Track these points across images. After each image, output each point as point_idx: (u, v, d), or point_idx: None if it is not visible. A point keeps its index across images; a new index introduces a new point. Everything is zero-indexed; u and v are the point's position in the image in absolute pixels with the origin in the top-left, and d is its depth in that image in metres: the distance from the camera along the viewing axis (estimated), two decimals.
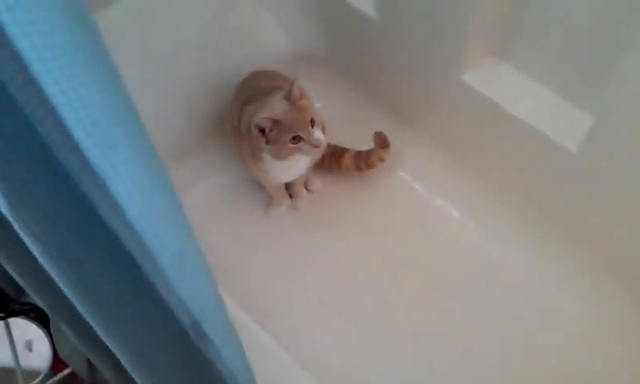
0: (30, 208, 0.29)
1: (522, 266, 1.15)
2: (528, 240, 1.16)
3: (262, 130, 0.95)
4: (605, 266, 1.09)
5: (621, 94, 0.89)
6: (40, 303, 0.50)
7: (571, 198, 1.08)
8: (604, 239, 1.08)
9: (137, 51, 1.13)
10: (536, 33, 0.99)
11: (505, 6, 0.98)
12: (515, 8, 0.98)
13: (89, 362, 1.00)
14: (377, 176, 1.24)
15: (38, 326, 1.10)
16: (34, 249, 0.32)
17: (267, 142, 0.95)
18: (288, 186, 1.23)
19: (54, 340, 1.10)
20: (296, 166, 1.05)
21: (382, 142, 1.19)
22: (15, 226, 0.30)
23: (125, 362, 0.44)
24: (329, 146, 1.20)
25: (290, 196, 1.24)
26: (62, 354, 1.10)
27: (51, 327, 1.10)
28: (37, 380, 1.10)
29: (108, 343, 0.42)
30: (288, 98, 0.94)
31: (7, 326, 1.08)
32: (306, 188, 1.25)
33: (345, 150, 1.22)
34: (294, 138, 0.93)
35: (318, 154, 1.03)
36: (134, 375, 0.46)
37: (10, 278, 0.46)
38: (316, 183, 1.25)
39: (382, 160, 1.19)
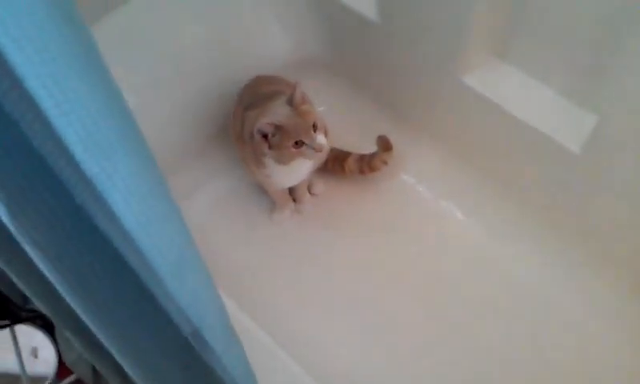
0: (29, 215, 0.29)
1: (527, 266, 1.15)
2: (532, 240, 1.16)
3: (265, 135, 0.95)
4: (610, 266, 1.09)
5: (623, 92, 0.88)
6: (43, 310, 0.50)
7: (575, 198, 1.07)
8: (608, 239, 1.08)
9: (140, 58, 1.14)
10: (537, 32, 0.99)
11: (505, 6, 0.98)
12: (515, 7, 0.98)
13: (94, 369, 1.00)
14: (380, 179, 1.24)
15: (44, 332, 1.11)
16: (34, 255, 0.32)
17: (270, 147, 0.96)
18: (291, 190, 1.23)
19: (60, 347, 1.11)
20: (299, 170, 1.05)
21: (384, 145, 1.19)
22: (15, 233, 0.30)
23: (126, 366, 0.44)
24: (332, 149, 1.20)
25: (294, 200, 1.24)
26: (67, 360, 1.10)
27: (56, 334, 1.10)
28: None
29: (109, 347, 0.42)
30: (290, 102, 0.94)
31: (13, 333, 1.08)
32: (309, 191, 1.25)
33: (348, 154, 1.22)
34: (296, 142, 0.93)
35: (320, 158, 1.03)
36: (135, 379, 0.46)
37: (15, 285, 0.46)
38: (319, 186, 1.25)
39: (385, 163, 1.19)
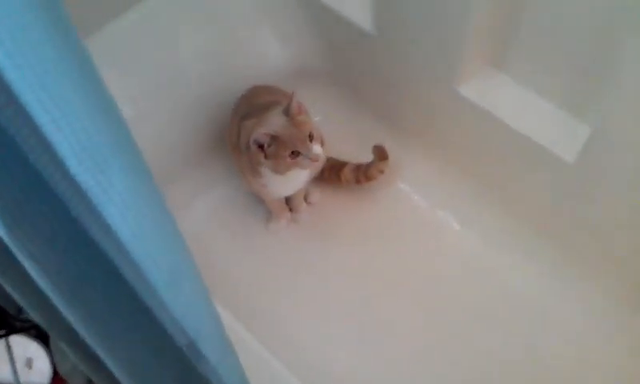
0: (25, 228, 0.29)
1: (523, 275, 1.15)
2: (528, 250, 1.16)
3: (261, 146, 0.95)
4: (607, 275, 1.09)
5: (618, 104, 0.89)
6: (38, 321, 0.50)
7: (570, 207, 1.08)
8: (604, 248, 1.08)
9: (137, 69, 1.14)
10: (533, 43, 1.00)
11: (502, 17, 0.99)
12: (512, 19, 0.99)
13: (89, 381, 1.00)
14: (376, 188, 1.24)
15: (39, 343, 1.10)
16: (30, 267, 0.32)
17: (266, 157, 0.96)
18: (288, 200, 1.23)
19: (54, 357, 1.10)
20: (295, 180, 1.05)
21: (380, 154, 1.19)
22: (10, 245, 0.30)
23: (120, 377, 0.44)
24: (328, 159, 1.20)
25: (290, 209, 1.24)
26: (62, 371, 1.10)
27: (51, 345, 1.10)
28: None
29: (104, 359, 0.42)
30: (287, 112, 0.95)
31: (7, 344, 1.08)
32: (305, 201, 1.25)
33: (344, 163, 1.23)
34: (292, 152, 0.94)
35: (316, 168, 1.04)
36: None
37: (10, 295, 0.46)
38: (316, 195, 1.26)
39: (381, 172, 1.19)
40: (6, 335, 1.08)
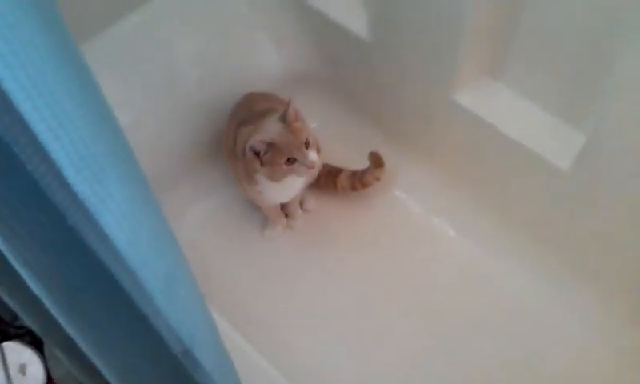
0: (22, 237, 0.29)
1: (519, 282, 1.15)
2: (524, 257, 1.17)
3: (257, 153, 0.95)
4: (603, 281, 1.10)
5: (612, 112, 0.90)
6: (33, 328, 0.50)
7: (565, 215, 1.08)
8: (599, 255, 1.08)
9: (134, 75, 1.14)
10: (528, 52, 1.00)
11: (497, 26, 1.00)
12: (508, 28, 1.00)
13: None
14: (372, 195, 1.25)
15: (32, 349, 1.10)
16: (26, 275, 0.32)
17: (262, 164, 0.96)
18: (283, 207, 1.23)
19: (48, 364, 1.09)
20: (291, 187, 1.05)
21: (376, 161, 1.19)
22: (6, 252, 0.30)
23: None
24: (324, 165, 1.20)
25: (286, 216, 1.24)
26: (55, 376, 1.09)
27: (45, 351, 1.09)
28: None
29: (99, 366, 0.42)
30: (283, 119, 0.95)
31: (1, 350, 1.07)
32: (301, 207, 1.25)
33: (340, 170, 1.23)
34: (288, 159, 0.94)
35: (312, 175, 1.04)
36: None
37: (4, 302, 0.46)
38: (311, 202, 1.26)
39: (377, 179, 1.20)
40: (0, 342, 1.08)
